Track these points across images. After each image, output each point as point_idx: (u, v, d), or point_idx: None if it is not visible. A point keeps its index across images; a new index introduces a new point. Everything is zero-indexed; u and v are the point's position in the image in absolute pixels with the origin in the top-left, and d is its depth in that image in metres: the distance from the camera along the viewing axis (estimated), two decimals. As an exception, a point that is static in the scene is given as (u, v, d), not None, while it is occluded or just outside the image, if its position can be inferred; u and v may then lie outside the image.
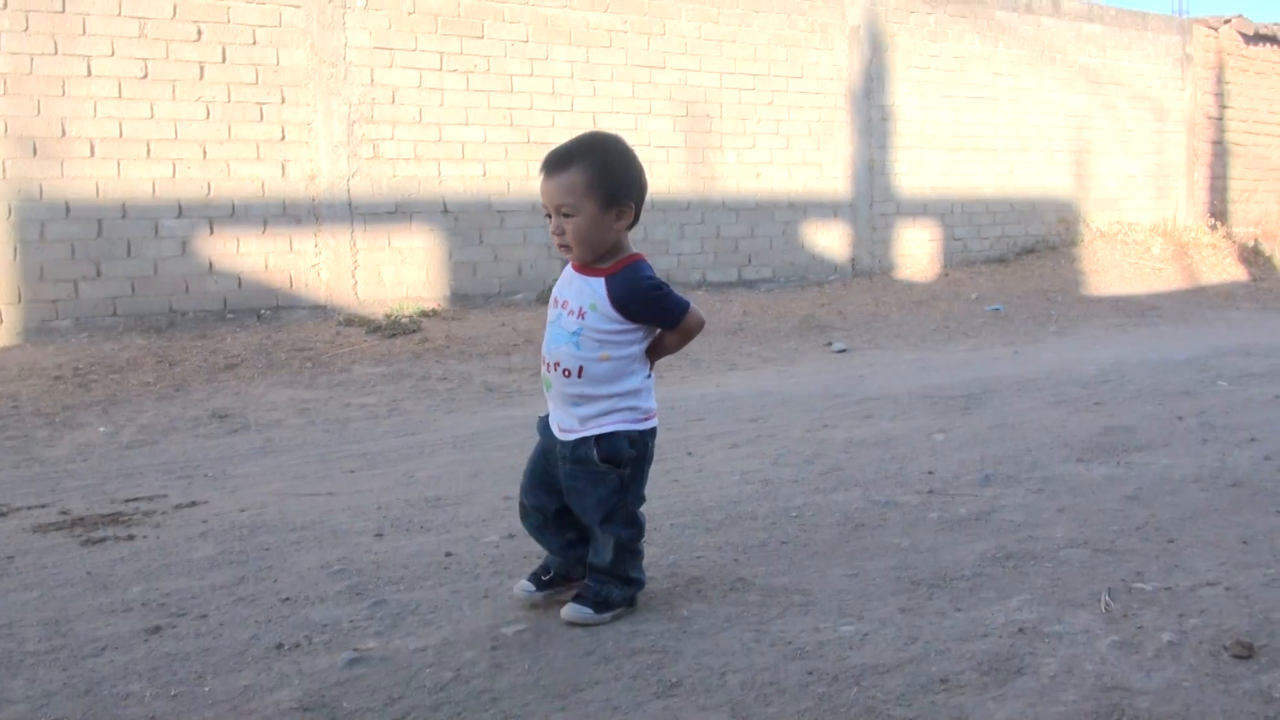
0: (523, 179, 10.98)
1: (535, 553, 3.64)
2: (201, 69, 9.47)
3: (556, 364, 2.92)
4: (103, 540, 4.09)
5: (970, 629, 2.76)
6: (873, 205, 13.62)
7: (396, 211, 10.26)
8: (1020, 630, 2.74)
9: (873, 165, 13.59)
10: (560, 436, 2.95)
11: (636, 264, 2.92)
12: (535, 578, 3.13)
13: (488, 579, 3.38)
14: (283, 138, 9.75)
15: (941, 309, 11.98)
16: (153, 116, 9.30)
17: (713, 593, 3.12)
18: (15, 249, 8.83)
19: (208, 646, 2.94)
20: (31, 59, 8.88)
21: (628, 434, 2.91)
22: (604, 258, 2.92)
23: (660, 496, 4.32)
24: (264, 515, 4.35)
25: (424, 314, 9.91)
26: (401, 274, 10.29)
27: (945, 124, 14.28)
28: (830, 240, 13.31)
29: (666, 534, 3.77)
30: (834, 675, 2.49)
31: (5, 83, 8.79)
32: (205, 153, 9.46)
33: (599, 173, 2.86)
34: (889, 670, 2.51)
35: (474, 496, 4.53)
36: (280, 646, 2.91)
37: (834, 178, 13.28)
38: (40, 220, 8.92)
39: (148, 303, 9.23)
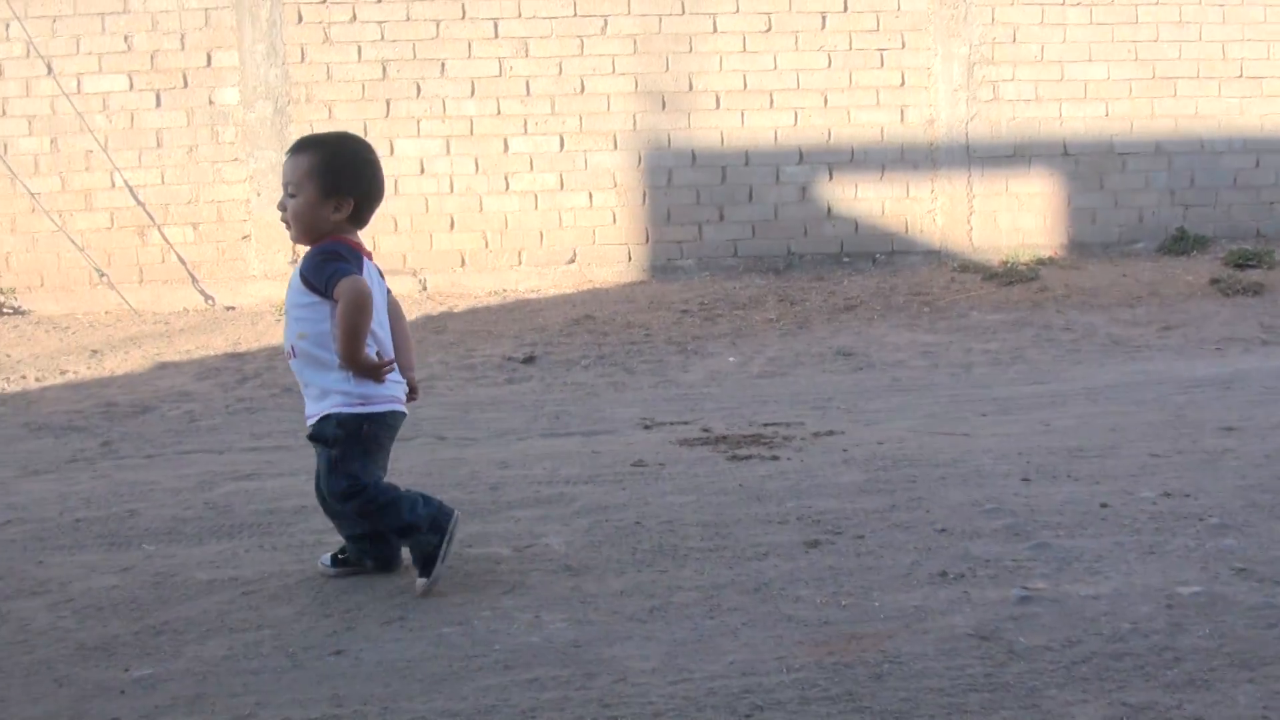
0: (1146, 118, 10.22)
1: (1195, 514, 3.36)
2: (823, 19, 9.62)
3: (285, 348, 3.10)
4: (748, 458, 4.24)
5: None
6: None
7: (1014, 155, 9.92)
8: None
9: None
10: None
11: (334, 241, 3.00)
12: (334, 556, 3.20)
13: (1150, 534, 3.17)
14: (902, 83, 9.71)
15: None
16: (775, 67, 9.58)
17: None
18: (644, 194, 9.47)
19: (869, 565, 2.96)
20: (660, 19, 9.45)
21: (336, 416, 2.96)
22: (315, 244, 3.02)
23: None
24: (903, 449, 4.33)
25: (1040, 262, 9.53)
26: (1017, 220, 9.95)
27: None
28: None
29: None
30: None
31: (635, 42, 9.41)
32: (826, 100, 9.62)
33: (324, 163, 2.98)
34: None
35: (1118, 450, 4.26)
36: (945, 574, 2.86)
37: None
38: (668, 168, 9.50)
39: (767, 245, 9.56)
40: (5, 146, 9.28)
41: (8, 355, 7.87)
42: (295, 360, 3.04)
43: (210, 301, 9.33)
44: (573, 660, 2.42)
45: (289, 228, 3.05)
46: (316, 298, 2.96)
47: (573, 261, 9.42)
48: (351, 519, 3.05)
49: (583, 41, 9.39)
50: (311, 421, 3.03)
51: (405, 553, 3.14)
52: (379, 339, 3.03)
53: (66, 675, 2.58)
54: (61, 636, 2.82)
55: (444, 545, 2.96)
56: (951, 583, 2.80)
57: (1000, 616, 2.55)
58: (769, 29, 9.55)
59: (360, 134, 9.00)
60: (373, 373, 2.96)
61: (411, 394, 3.15)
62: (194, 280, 9.33)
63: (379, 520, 3.00)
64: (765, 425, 4.81)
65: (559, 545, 3.27)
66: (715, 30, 9.52)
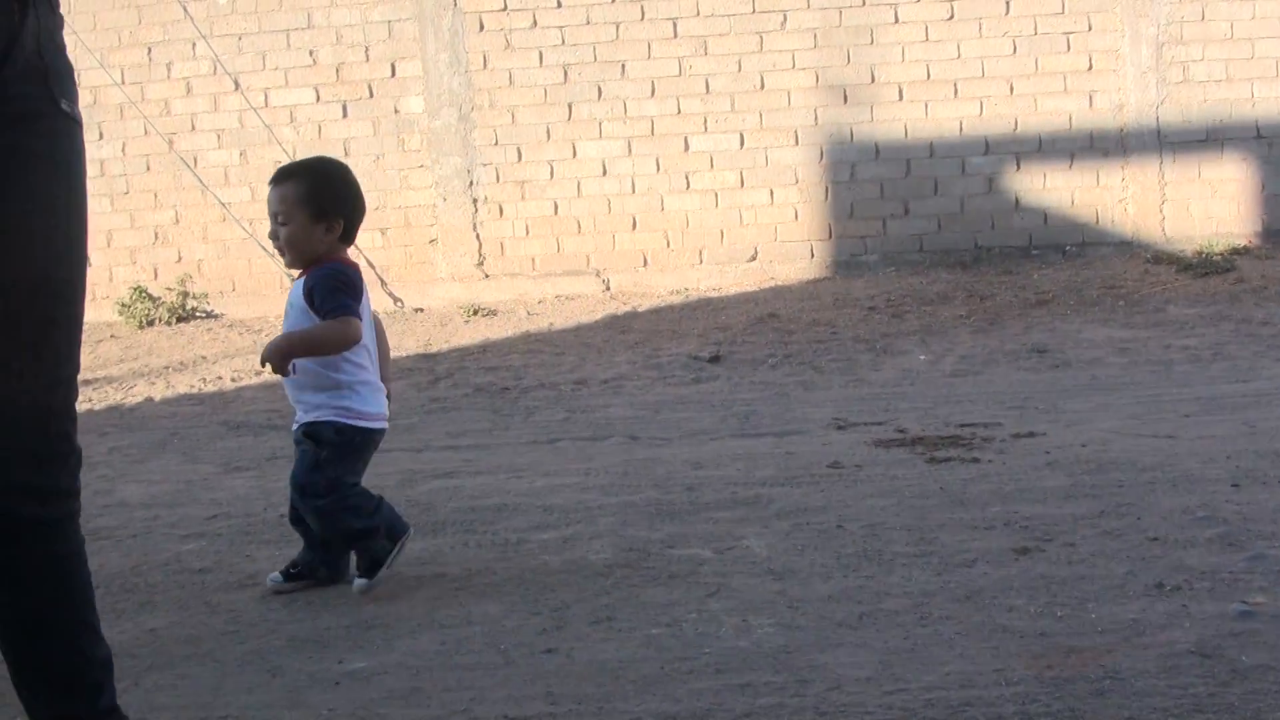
0: (1344, 95, 9.67)
1: None
2: (1006, 4, 9.39)
3: None
4: (947, 460, 4.19)
5: None
6: None
7: (1206, 139, 9.51)
8: None
9: None
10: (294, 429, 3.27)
11: (338, 263, 3.18)
12: (285, 571, 3.29)
13: (1370, 548, 3.04)
14: (1089, 67, 9.41)
15: None
16: (959, 56, 9.38)
17: None
18: (826, 190, 9.40)
19: (1082, 575, 2.91)
20: (840, 12, 9.34)
21: (335, 424, 3.16)
22: (314, 264, 3.18)
23: None
24: (1107, 452, 4.22)
25: (1235, 251, 9.12)
26: (1210, 208, 9.54)
27: None
28: None
29: None
30: None
31: (815, 36, 9.34)
32: (1012, 88, 9.38)
33: (311, 188, 3.16)
34: None
35: (1329, 453, 4.08)
36: (1161, 586, 2.80)
37: None
38: (850, 162, 9.40)
39: (953, 239, 9.39)
40: (195, 160, 9.70)
41: (203, 357, 8.26)
42: (294, 378, 3.19)
43: (399, 304, 9.60)
44: (785, 666, 2.44)
45: (284, 254, 3.24)
46: (316, 317, 3.15)
47: (754, 259, 9.40)
48: (314, 518, 3.18)
49: (762, 38, 9.36)
50: (298, 424, 3.23)
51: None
52: (369, 351, 3.26)
53: (279, 666, 2.71)
54: (273, 628, 2.96)
55: (394, 554, 3.18)
56: (1169, 595, 2.73)
57: (1221, 633, 2.48)
58: (951, 17, 9.36)
59: (543, 138, 9.38)
60: (276, 370, 3.13)
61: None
62: (383, 283, 9.60)
63: (340, 521, 3.16)
64: (962, 426, 4.75)
65: (760, 548, 3.29)
66: (896, 21, 9.37)
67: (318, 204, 3.16)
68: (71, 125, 1.89)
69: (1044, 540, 3.18)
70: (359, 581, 3.17)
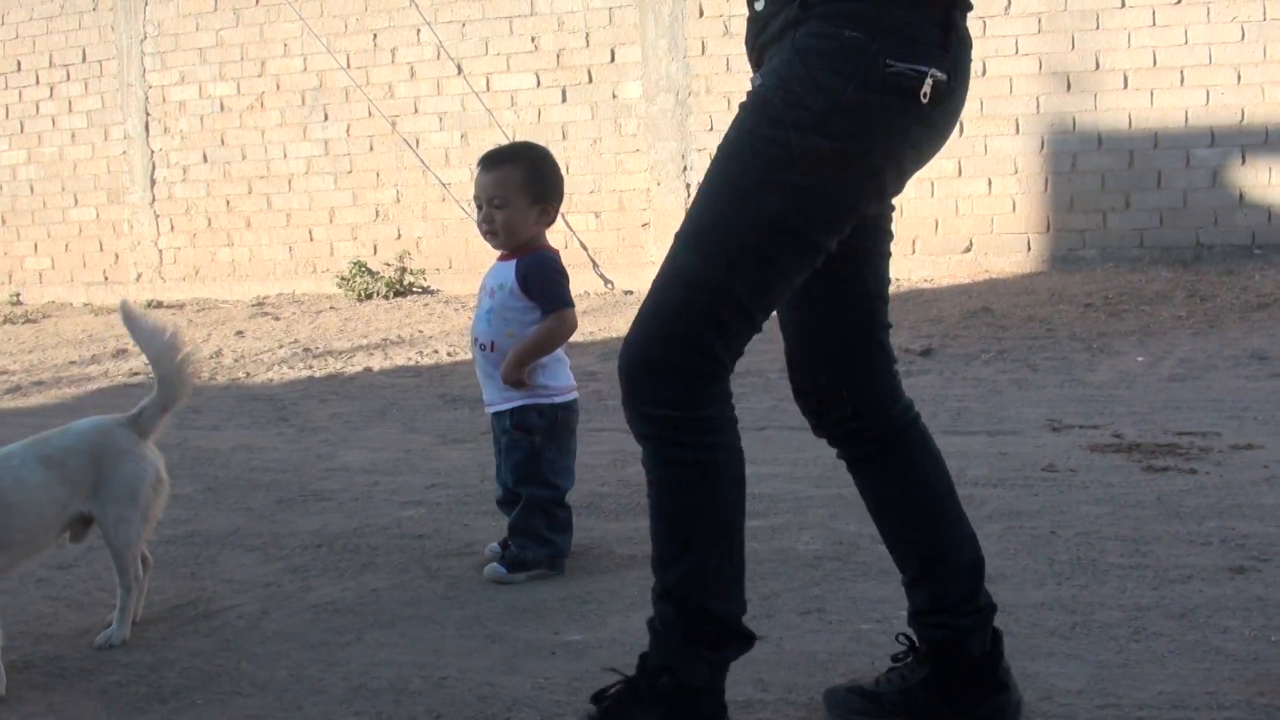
0: None
1: None
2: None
3: (477, 340, 3.40)
4: (1165, 469, 4.11)
5: None
6: None
7: None
8: None
9: None
10: (488, 409, 3.43)
11: (547, 252, 3.36)
12: (503, 543, 3.39)
13: None
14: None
15: None
16: (1186, 42, 9.04)
17: None
18: (1046, 180, 9.19)
19: None
20: (1065, -4, 9.11)
21: (536, 407, 3.30)
22: (522, 248, 3.34)
23: None
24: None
25: None
26: None
27: None
28: None
29: None
30: None
31: (1039, 21, 9.12)
32: (1239, 77, 8.98)
33: (530, 173, 3.32)
34: None
35: None
36: None
37: None
38: (1072, 152, 9.17)
39: (1174, 235, 9.06)
40: (417, 141, 10.07)
41: (420, 331, 8.60)
42: (491, 354, 3.34)
43: (609, 285, 9.74)
44: (995, 671, 2.48)
45: (494, 237, 3.35)
46: (530, 303, 3.31)
47: (968, 250, 9.26)
48: (524, 505, 3.32)
49: (985, 23, 9.17)
50: (498, 409, 3.35)
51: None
52: None
53: (497, 633, 2.85)
54: (492, 596, 3.13)
55: (542, 570, 3.28)
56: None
57: None
58: (1178, 1, 9.00)
59: (758, 123, 9.42)
60: (514, 385, 3.30)
61: None
62: (594, 265, 9.80)
63: (532, 517, 3.30)
64: (1179, 434, 4.64)
65: (972, 550, 3.31)
66: (1123, 5, 9.04)
67: (536, 189, 3.32)
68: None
69: (1261, 560, 3.12)
70: (497, 568, 3.29)
